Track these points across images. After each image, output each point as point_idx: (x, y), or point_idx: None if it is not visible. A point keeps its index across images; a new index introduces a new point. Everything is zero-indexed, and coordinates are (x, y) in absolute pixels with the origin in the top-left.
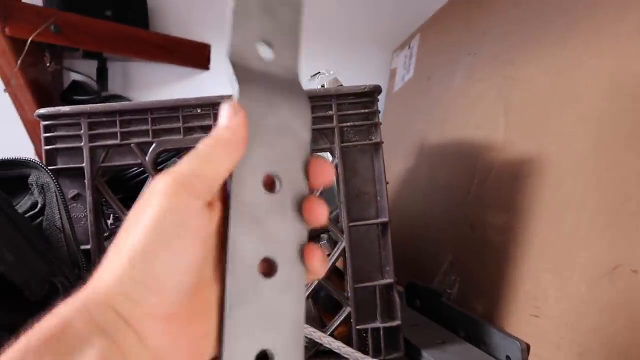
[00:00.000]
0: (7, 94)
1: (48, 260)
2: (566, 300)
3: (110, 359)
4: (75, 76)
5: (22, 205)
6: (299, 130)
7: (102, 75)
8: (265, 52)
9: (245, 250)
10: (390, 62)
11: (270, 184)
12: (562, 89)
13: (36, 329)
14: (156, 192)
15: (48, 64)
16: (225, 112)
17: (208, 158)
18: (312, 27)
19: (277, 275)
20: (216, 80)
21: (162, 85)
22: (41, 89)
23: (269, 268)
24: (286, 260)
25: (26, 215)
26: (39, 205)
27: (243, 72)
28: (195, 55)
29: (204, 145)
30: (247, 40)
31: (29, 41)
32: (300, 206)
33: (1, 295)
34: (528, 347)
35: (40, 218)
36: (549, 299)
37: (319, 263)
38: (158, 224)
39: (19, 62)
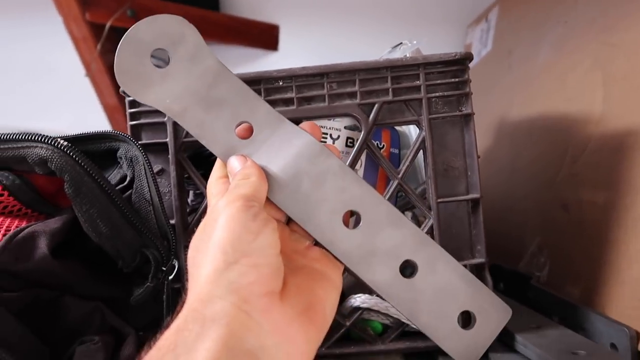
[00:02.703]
0: (87, 79)
1: (140, 231)
2: None
3: (229, 343)
4: None
5: (112, 178)
6: (332, 163)
7: None
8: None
9: (384, 275)
10: (465, 37)
11: (348, 220)
12: None
13: (155, 344)
14: (220, 206)
15: None
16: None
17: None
18: (382, 3)
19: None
20: (285, 61)
21: (231, 67)
22: None
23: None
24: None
25: (116, 188)
26: (128, 179)
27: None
28: (264, 37)
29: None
30: None
31: (107, 25)
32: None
33: (97, 266)
34: (638, 334)
35: (129, 191)
36: None
37: None
38: (233, 219)
39: (98, 47)
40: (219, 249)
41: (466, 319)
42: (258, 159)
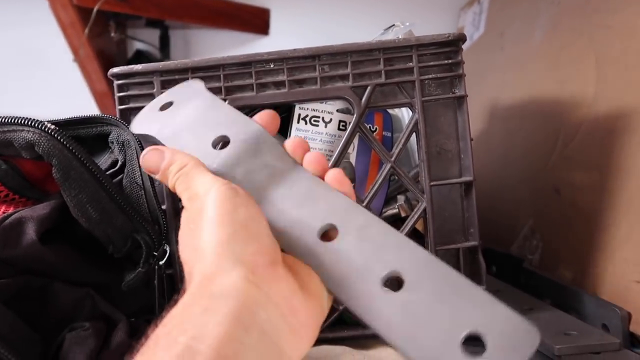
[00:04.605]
0: (76, 65)
1: (131, 216)
2: None
3: (242, 317)
4: (138, 45)
5: (103, 163)
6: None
7: (164, 43)
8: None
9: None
10: (457, 20)
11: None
12: None
13: (161, 321)
14: (201, 192)
15: (113, 34)
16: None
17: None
18: None
19: None
20: (276, 45)
21: (222, 51)
22: (107, 59)
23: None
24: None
25: (107, 173)
26: (119, 163)
27: None
28: (255, 21)
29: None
30: None
31: (95, 9)
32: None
33: (87, 252)
34: (629, 315)
35: (121, 176)
36: None
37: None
38: (220, 198)
39: (86, 31)
40: (217, 223)
41: (475, 345)
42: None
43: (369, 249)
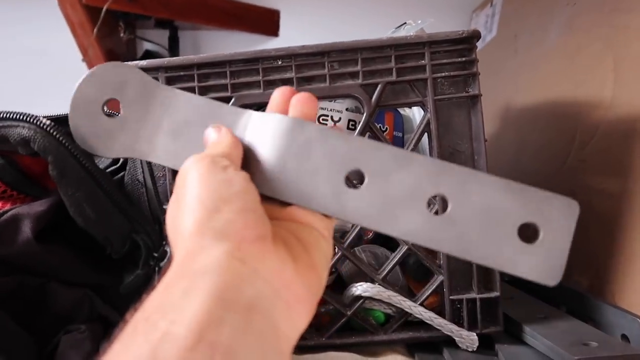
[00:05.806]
0: (84, 65)
1: (129, 216)
2: None
3: (224, 294)
4: (147, 46)
5: (104, 160)
6: (309, 130)
7: (173, 44)
8: None
9: (413, 222)
10: (469, 23)
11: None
12: None
13: (143, 302)
14: (186, 166)
15: (122, 34)
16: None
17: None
18: None
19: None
20: None
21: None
22: (116, 59)
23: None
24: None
25: (108, 170)
26: (121, 160)
27: None
28: (265, 22)
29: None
30: None
31: (104, 9)
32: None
33: (85, 252)
34: None
35: (122, 173)
36: None
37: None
38: (203, 174)
39: (95, 31)
40: (197, 202)
41: (529, 232)
42: None
43: (405, 183)
